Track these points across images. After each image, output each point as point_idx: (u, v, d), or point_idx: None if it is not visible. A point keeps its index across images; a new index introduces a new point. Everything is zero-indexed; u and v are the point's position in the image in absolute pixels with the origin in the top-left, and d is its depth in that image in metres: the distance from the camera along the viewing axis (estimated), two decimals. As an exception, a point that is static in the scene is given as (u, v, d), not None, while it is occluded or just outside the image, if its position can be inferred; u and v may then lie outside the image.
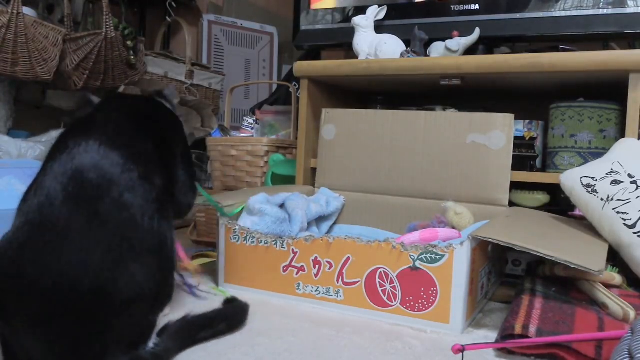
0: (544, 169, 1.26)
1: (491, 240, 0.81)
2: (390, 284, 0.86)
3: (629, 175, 0.92)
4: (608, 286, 0.87)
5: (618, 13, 1.16)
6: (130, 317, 0.62)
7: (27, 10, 1.37)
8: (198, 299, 0.95)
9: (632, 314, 0.79)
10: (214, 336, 0.76)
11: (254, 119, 1.73)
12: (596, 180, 0.94)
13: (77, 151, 0.66)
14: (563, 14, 1.22)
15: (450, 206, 1.08)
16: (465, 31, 1.26)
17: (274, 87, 2.10)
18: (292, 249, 0.93)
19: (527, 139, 1.22)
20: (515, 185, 1.15)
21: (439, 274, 0.82)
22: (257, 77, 2.34)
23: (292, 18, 1.57)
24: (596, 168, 0.96)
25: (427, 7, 1.37)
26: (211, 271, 1.12)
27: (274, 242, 0.95)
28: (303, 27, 1.52)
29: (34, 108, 1.67)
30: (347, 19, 1.44)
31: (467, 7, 1.31)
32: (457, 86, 1.21)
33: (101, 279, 0.60)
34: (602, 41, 1.35)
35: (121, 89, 1.60)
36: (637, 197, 0.89)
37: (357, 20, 1.34)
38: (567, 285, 0.90)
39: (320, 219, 1.20)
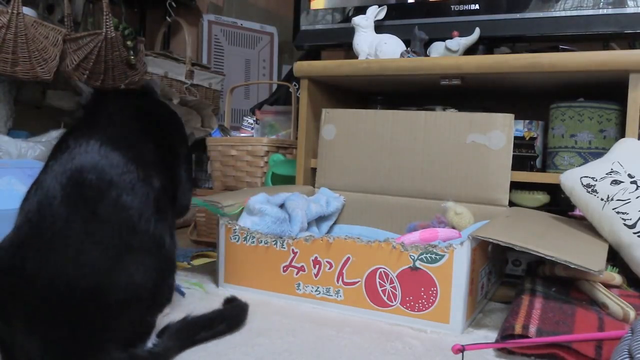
0: (544, 169, 1.26)
1: (491, 240, 0.81)
2: (390, 284, 0.86)
3: (629, 175, 0.92)
4: (608, 286, 0.87)
5: (618, 13, 1.16)
6: (128, 317, 0.62)
7: (27, 10, 1.37)
8: (182, 296, 0.95)
9: (632, 314, 0.79)
10: (214, 336, 0.76)
11: (254, 119, 1.73)
12: (596, 180, 0.94)
13: (77, 151, 0.66)
14: (563, 14, 1.22)
15: (450, 206, 1.08)
16: (465, 31, 1.26)
17: (274, 87, 2.10)
18: (292, 249, 0.93)
19: (527, 139, 1.22)
20: (515, 185, 1.15)
21: (439, 274, 0.82)
22: (257, 77, 2.34)
23: (292, 18, 1.57)
24: (596, 168, 0.96)
25: (427, 7, 1.37)
26: (211, 271, 1.12)
27: (274, 242, 0.95)
28: (303, 27, 1.52)
29: (34, 108, 1.67)
30: (347, 19, 1.44)
31: (467, 7, 1.31)
32: (457, 86, 1.21)
33: (98, 279, 0.60)
34: (602, 41, 1.35)
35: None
36: (637, 197, 0.89)
37: (357, 20, 1.34)
38: (567, 285, 0.90)
39: (320, 219, 1.20)
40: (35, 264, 0.60)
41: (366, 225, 1.24)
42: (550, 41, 1.27)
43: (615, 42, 1.36)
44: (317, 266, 0.91)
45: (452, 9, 1.33)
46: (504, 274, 1.12)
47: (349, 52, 1.45)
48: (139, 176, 0.68)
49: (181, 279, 1.06)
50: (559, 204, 1.17)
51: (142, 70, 1.64)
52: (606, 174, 0.94)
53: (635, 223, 0.88)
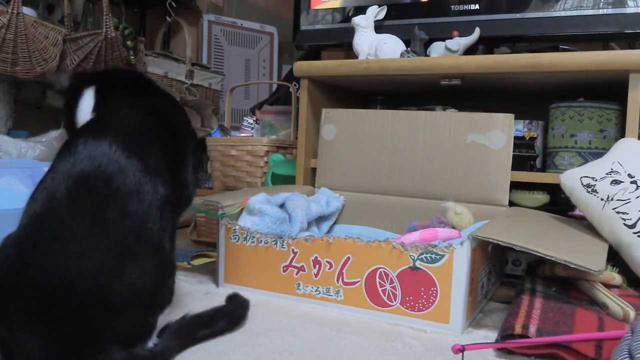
0: (544, 169, 1.26)
1: (491, 240, 0.81)
2: (390, 284, 0.86)
3: (629, 175, 0.92)
4: (608, 286, 0.87)
5: (618, 13, 1.16)
6: (128, 318, 0.63)
7: (27, 10, 1.37)
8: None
9: (632, 314, 0.79)
10: (215, 334, 0.76)
11: (254, 119, 1.73)
12: (596, 180, 0.94)
13: (85, 154, 0.66)
14: (563, 14, 1.22)
15: (450, 206, 1.08)
16: (465, 31, 1.26)
17: (274, 87, 2.10)
18: (292, 249, 0.93)
19: (527, 139, 1.22)
20: (515, 185, 1.15)
21: (439, 274, 0.82)
22: (257, 77, 2.34)
23: (292, 18, 1.57)
24: (596, 168, 0.96)
25: (427, 7, 1.37)
26: (211, 271, 1.12)
27: (274, 242, 0.95)
28: (303, 27, 1.52)
29: (34, 108, 1.67)
30: (347, 19, 1.44)
31: (467, 7, 1.31)
32: (457, 86, 1.21)
33: (99, 281, 0.60)
34: (602, 41, 1.35)
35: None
36: (637, 197, 0.89)
37: (357, 20, 1.34)
38: (567, 285, 0.90)
39: (320, 219, 1.20)
40: (37, 264, 0.60)
41: (366, 225, 1.24)
42: (550, 41, 1.27)
43: (615, 42, 1.36)
44: (317, 266, 0.91)
45: (452, 9, 1.33)
46: (504, 274, 1.12)
47: (349, 52, 1.45)
48: (145, 183, 0.68)
49: (181, 279, 1.06)
50: (559, 204, 1.17)
51: (142, 70, 1.64)
52: (606, 173, 0.94)
53: (635, 223, 0.88)
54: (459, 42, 1.24)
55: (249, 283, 0.98)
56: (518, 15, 1.26)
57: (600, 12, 1.18)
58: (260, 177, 1.48)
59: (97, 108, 0.82)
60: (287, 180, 1.40)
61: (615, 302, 0.81)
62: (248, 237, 0.97)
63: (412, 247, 0.84)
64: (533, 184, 1.14)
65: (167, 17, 2.06)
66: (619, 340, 0.60)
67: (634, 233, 0.87)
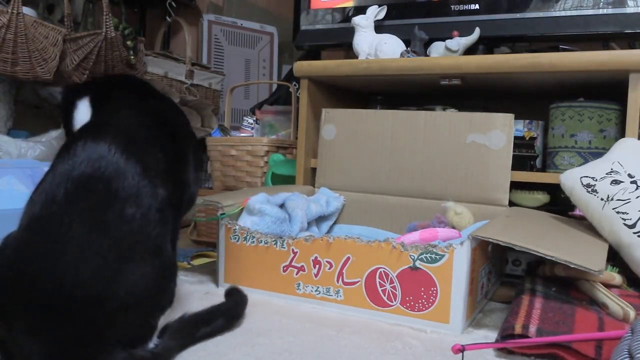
0: (544, 169, 1.26)
1: (491, 240, 0.81)
2: (390, 284, 0.86)
3: (629, 175, 0.92)
4: (608, 286, 0.87)
5: (618, 13, 1.16)
6: (128, 319, 0.63)
7: (27, 10, 1.37)
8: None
9: (632, 314, 0.79)
10: (214, 332, 0.76)
11: (254, 119, 1.73)
12: (596, 180, 0.94)
13: (83, 155, 0.66)
14: (563, 14, 1.22)
15: (450, 206, 1.08)
16: (465, 31, 1.26)
17: (274, 87, 2.10)
18: (292, 249, 0.93)
19: (527, 139, 1.22)
20: (515, 185, 1.15)
21: (439, 274, 0.82)
22: (257, 77, 2.34)
23: (292, 18, 1.57)
24: (596, 168, 0.96)
25: (427, 7, 1.37)
26: (211, 271, 1.12)
27: (274, 242, 0.95)
28: (303, 27, 1.52)
29: (34, 108, 1.67)
30: (347, 19, 1.44)
31: (467, 7, 1.31)
32: (457, 86, 1.21)
33: (99, 283, 0.60)
34: (602, 41, 1.35)
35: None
36: (637, 197, 0.89)
37: (357, 20, 1.34)
38: (567, 285, 0.90)
39: (320, 219, 1.20)
40: (37, 266, 0.60)
41: (366, 225, 1.24)
42: (550, 41, 1.27)
43: (615, 42, 1.36)
44: (317, 266, 0.91)
45: (452, 9, 1.33)
46: (504, 274, 1.12)
47: (349, 52, 1.45)
48: (145, 186, 0.68)
49: (181, 278, 1.06)
50: (559, 204, 1.17)
51: (142, 70, 1.64)
52: (606, 173, 0.94)
53: (635, 223, 0.88)
54: (459, 42, 1.24)
55: (249, 283, 0.98)
56: (518, 15, 1.26)
57: (600, 12, 1.18)
58: (260, 177, 1.48)
59: (95, 113, 0.82)
60: (287, 180, 1.40)
61: (615, 302, 0.81)
62: (248, 237, 0.97)
63: (412, 247, 0.84)
64: (533, 184, 1.14)
65: (167, 17, 2.05)
66: (619, 340, 0.60)
67: (634, 233, 0.87)
